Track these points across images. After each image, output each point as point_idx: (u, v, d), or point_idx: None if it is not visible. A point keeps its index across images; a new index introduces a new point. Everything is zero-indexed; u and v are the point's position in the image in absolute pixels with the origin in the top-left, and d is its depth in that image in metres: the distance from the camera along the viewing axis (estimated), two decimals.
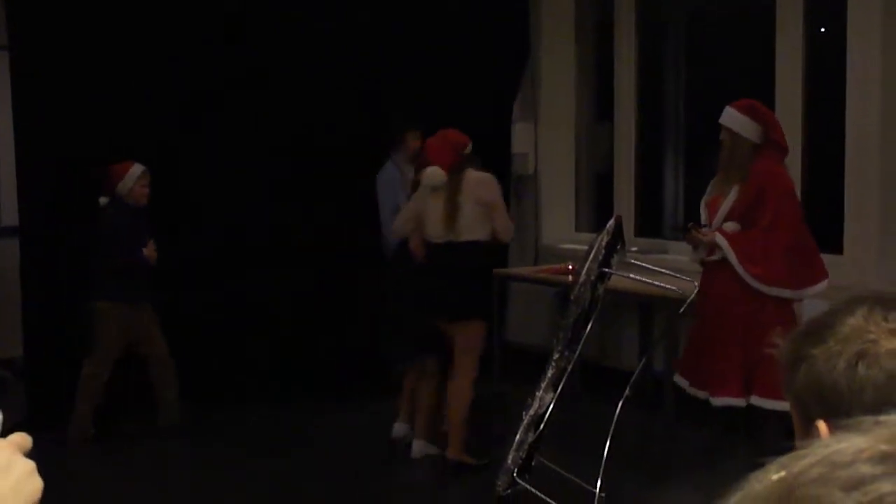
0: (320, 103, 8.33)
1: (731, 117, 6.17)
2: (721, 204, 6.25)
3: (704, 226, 6.39)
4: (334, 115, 8.35)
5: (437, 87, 8.62)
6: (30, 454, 1.19)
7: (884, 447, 0.70)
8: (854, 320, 1.34)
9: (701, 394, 6.33)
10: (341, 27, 8.37)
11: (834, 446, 0.72)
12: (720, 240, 6.13)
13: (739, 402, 6.18)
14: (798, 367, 1.36)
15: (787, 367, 1.39)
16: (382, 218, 8.04)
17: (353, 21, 8.41)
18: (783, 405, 6.16)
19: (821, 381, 1.32)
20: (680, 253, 7.94)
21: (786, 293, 6.13)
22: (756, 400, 6.15)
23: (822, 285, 6.21)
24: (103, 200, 7.29)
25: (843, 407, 1.27)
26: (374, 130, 8.24)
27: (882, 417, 0.75)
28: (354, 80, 8.42)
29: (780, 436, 5.92)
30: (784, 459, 0.74)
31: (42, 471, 1.17)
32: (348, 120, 8.36)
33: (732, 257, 6.09)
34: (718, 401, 6.23)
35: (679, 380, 6.53)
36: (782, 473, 0.72)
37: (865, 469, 0.69)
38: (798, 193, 6.73)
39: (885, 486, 0.68)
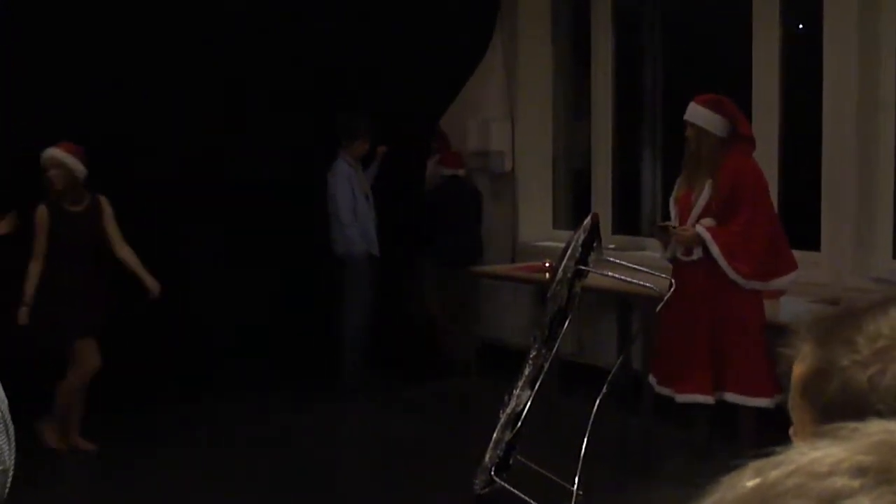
0: (269, 96, 8.28)
1: (696, 113, 6.17)
2: (692, 201, 6.24)
3: (664, 228, 6.39)
4: (282, 109, 8.31)
5: (400, 77, 8.62)
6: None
7: (862, 458, 0.68)
8: (888, 325, 1.24)
9: (666, 391, 6.34)
10: (301, 24, 8.33)
11: (811, 455, 0.69)
12: (703, 232, 6.10)
13: (706, 399, 6.19)
14: (827, 378, 1.25)
15: (811, 375, 1.28)
16: (341, 211, 8.05)
17: (309, 17, 8.37)
18: (757, 401, 6.17)
19: (864, 399, 1.21)
20: (657, 250, 7.93)
21: (757, 285, 6.14)
22: (730, 397, 6.15)
23: (790, 276, 6.22)
24: (448, 172, 8.84)
25: None
26: (323, 126, 8.23)
27: (860, 425, 0.72)
28: (316, 72, 8.38)
29: (754, 430, 5.94)
30: (759, 464, 0.71)
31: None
32: (297, 115, 8.33)
33: (716, 251, 6.07)
34: (682, 397, 6.24)
35: (651, 378, 6.54)
36: (756, 481, 0.69)
37: (843, 482, 0.66)
38: (772, 186, 6.74)
39: (863, 501, 0.65)
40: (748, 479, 0.70)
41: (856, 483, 0.66)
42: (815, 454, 0.69)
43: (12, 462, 1.50)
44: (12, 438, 1.51)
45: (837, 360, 1.24)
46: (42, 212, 6.82)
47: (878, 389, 1.20)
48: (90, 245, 6.91)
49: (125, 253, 6.99)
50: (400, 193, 8.90)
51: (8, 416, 1.50)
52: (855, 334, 1.25)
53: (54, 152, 6.81)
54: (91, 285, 6.88)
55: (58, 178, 6.79)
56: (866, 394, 1.21)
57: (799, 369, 1.32)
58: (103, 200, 6.97)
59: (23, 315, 6.75)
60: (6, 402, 1.52)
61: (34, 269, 6.78)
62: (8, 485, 1.49)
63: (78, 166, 6.82)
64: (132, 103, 7.67)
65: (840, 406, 1.21)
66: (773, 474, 0.69)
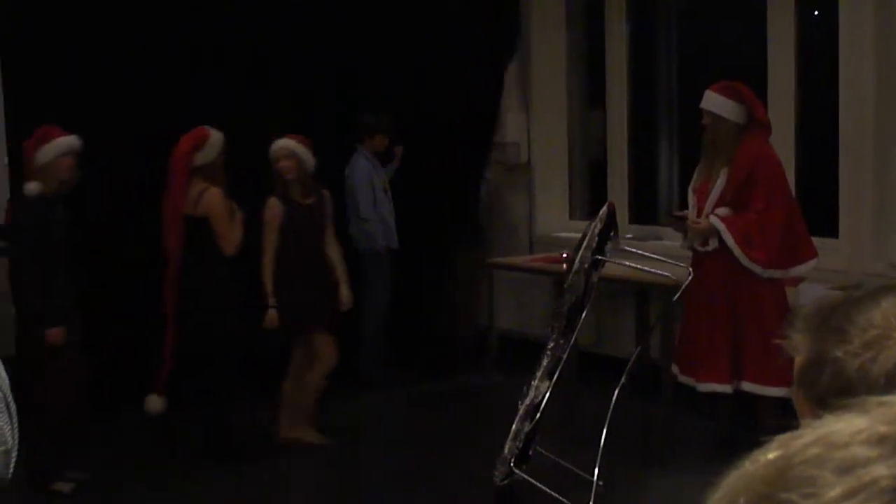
0: (296, 88, 8.26)
1: (712, 100, 6.16)
2: (710, 189, 6.22)
3: (681, 218, 6.39)
4: (311, 101, 8.29)
5: (422, 75, 8.60)
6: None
7: (882, 429, 0.68)
8: (880, 315, 1.24)
9: (689, 380, 6.33)
10: (329, 16, 8.31)
11: (832, 426, 0.70)
12: (717, 223, 6.09)
13: (725, 388, 6.18)
14: (820, 369, 1.26)
15: (806, 366, 1.29)
16: (361, 206, 8.04)
17: (338, 8, 8.36)
18: (773, 391, 6.16)
19: (853, 390, 1.21)
20: (674, 239, 7.92)
21: (776, 273, 6.12)
22: (747, 386, 6.14)
23: (810, 264, 6.19)
24: None
25: None
26: (341, 121, 8.22)
27: (886, 398, 0.72)
28: (335, 66, 8.37)
29: (774, 420, 5.92)
30: (783, 437, 0.72)
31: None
32: (326, 107, 8.32)
33: (731, 241, 6.05)
34: (703, 387, 6.23)
35: (673, 368, 6.54)
36: (779, 452, 0.70)
37: (860, 451, 0.67)
38: (789, 174, 6.72)
39: (879, 470, 0.65)
40: (771, 451, 0.71)
41: (873, 452, 0.67)
42: (836, 425, 0.70)
43: (15, 442, 1.49)
44: (14, 418, 1.49)
45: (830, 351, 1.24)
46: (274, 204, 6.70)
47: (868, 378, 1.20)
48: (320, 239, 6.82)
49: (334, 252, 6.94)
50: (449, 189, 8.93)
51: (10, 396, 1.49)
52: (847, 325, 1.25)
53: (286, 142, 6.70)
54: (323, 280, 6.81)
55: (289, 168, 6.68)
56: (856, 383, 1.20)
57: (797, 360, 1.32)
58: (327, 195, 6.90)
59: (272, 318, 6.63)
60: (7, 381, 1.51)
61: (268, 266, 6.66)
62: (11, 465, 1.48)
63: (309, 157, 6.71)
64: (148, 99, 7.67)
65: (833, 396, 1.21)
66: (795, 445, 0.70)
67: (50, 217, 6.04)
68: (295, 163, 6.67)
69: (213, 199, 6.42)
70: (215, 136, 6.52)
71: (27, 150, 6.16)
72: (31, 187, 6.03)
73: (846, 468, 0.66)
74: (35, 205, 6.02)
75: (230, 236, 6.45)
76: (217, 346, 6.55)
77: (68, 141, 6.18)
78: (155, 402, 6.53)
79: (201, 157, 6.45)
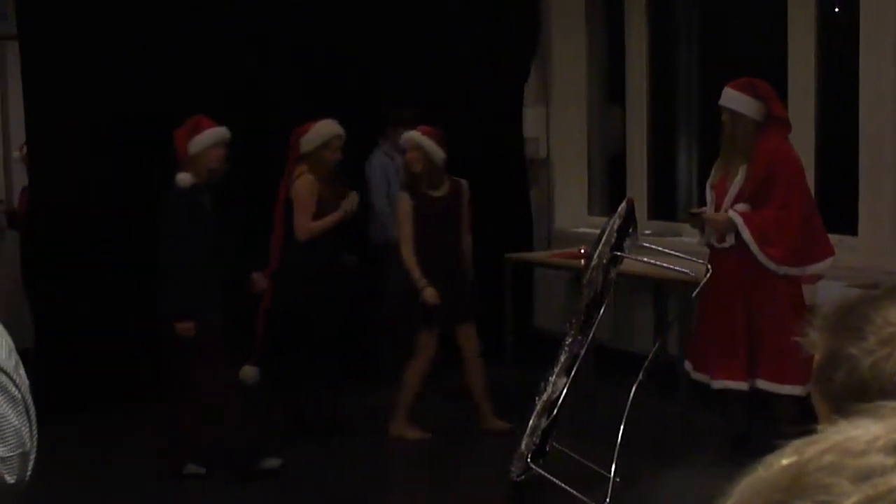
0: (317, 84, 8.25)
1: (730, 97, 6.14)
2: (728, 186, 6.20)
3: (699, 211, 6.38)
4: (332, 98, 8.28)
5: (445, 71, 8.57)
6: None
7: None
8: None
9: (703, 377, 6.32)
10: (349, 12, 8.30)
11: (848, 433, 0.69)
12: (735, 217, 6.07)
13: (740, 385, 6.16)
14: (835, 366, 1.26)
15: (822, 364, 1.29)
16: (374, 198, 8.03)
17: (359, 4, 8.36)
18: (789, 389, 6.13)
19: (866, 387, 1.21)
20: (693, 236, 7.90)
21: (792, 271, 6.10)
22: (762, 384, 6.12)
23: (826, 262, 6.17)
24: None
25: None
26: (370, 116, 8.21)
27: None
28: (356, 63, 8.35)
29: (791, 418, 5.90)
30: (798, 443, 0.71)
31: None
32: (349, 104, 8.30)
33: (748, 235, 6.04)
34: (717, 384, 6.22)
35: (687, 364, 6.52)
36: (793, 459, 0.69)
37: (877, 459, 0.66)
38: (809, 171, 6.69)
39: None
40: (785, 457, 0.70)
41: (891, 460, 0.66)
42: (852, 432, 0.69)
43: (34, 444, 1.49)
44: (34, 421, 1.50)
45: (845, 348, 1.24)
46: (404, 198, 6.79)
47: (882, 376, 1.20)
48: (455, 231, 6.85)
49: (465, 244, 6.96)
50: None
51: (29, 399, 1.49)
52: (863, 322, 1.24)
53: (412, 134, 6.76)
54: (462, 271, 6.87)
55: (415, 160, 6.72)
56: (870, 381, 1.20)
57: (814, 358, 1.32)
58: (464, 185, 6.92)
59: (430, 295, 6.66)
60: (27, 383, 1.51)
61: (409, 254, 6.74)
62: (30, 467, 1.48)
63: (436, 149, 6.72)
64: (171, 92, 7.68)
65: (849, 394, 1.20)
66: (809, 452, 0.69)
67: (199, 206, 6.18)
68: (421, 154, 6.71)
69: (299, 185, 6.74)
70: (315, 129, 6.77)
71: (178, 141, 6.24)
72: (183, 178, 6.15)
73: (863, 476, 0.65)
74: (187, 194, 6.14)
75: (303, 223, 6.73)
76: (295, 328, 6.81)
77: (219, 132, 6.30)
78: (249, 373, 6.70)
79: (301, 146, 6.76)
